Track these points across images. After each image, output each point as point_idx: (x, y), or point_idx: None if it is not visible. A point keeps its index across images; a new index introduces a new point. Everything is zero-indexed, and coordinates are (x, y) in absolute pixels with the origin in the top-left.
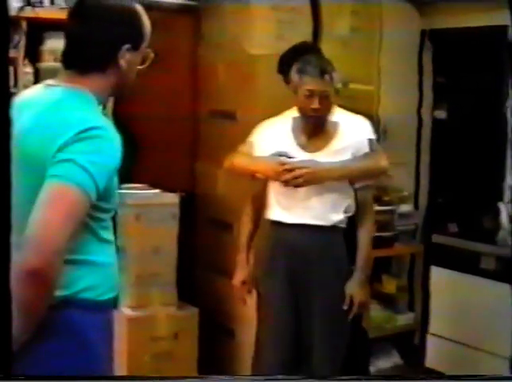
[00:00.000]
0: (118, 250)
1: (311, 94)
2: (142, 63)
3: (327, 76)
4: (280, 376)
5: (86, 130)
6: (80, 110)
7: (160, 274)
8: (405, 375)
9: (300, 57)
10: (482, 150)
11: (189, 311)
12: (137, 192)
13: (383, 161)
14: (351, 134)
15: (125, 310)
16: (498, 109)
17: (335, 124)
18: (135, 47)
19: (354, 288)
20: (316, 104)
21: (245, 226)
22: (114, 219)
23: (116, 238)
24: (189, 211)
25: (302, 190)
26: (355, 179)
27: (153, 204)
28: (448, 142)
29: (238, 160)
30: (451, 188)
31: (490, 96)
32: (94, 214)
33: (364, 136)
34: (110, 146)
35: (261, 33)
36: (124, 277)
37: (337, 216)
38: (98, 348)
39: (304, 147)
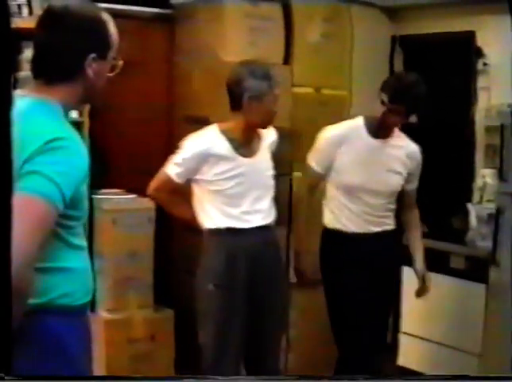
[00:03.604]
0: (93, 255)
1: (275, 99)
2: (111, 71)
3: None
4: (276, 377)
5: (51, 140)
6: (46, 121)
7: (137, 278)
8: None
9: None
10: (451, 152)
11: (165, 313)
12: (114, 197)
13: None
14: (268, 133)
15: (102, 313)
16: (467, 112)
17: None
18: (102, 56)
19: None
20: (276, 107)
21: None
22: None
23: (90, 243)
24: (165, 215)
25: (248, 195)
26: None
27: (130, 209)
28: (419, 145)
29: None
30: (421, 189)
31: (459, 100)
32: (63, 222)
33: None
34: (76, 155)
35: (234, 40)
36: (101, 281)
37: (274, 213)
38: (76, 352)
39: (243, 154)
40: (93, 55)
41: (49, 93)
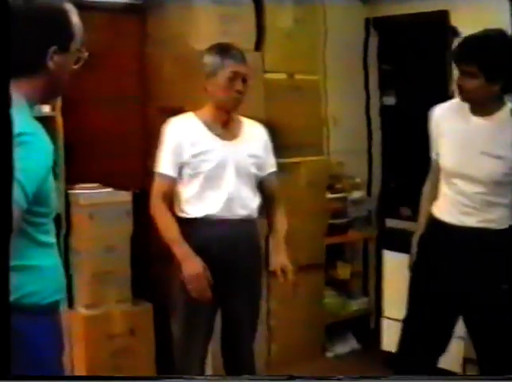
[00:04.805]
0: (69, 250)
1: (234, 76)
2: (76, 63)
3: (246, 60)
4: (268, 376)
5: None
6: None
7: (115, 272)
8: (361, 358)
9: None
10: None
11: (144, 307)
12: (90, 191)
13: None
14: (253, 126)
15: (80, 309)
16: (444, 91)
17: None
18: (64, 48)
19: (285, 259)
20: (240, 86)
21: (171, 221)
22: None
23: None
24: (143, 208)
25: (226, 179)
26: None
27: (106, 202)
28: (398, 127)
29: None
30: (403, 172)
31: (435, 79)
32: (31, 219)
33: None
34: (39, 151)
35: (205, 28)
36: (79, 276)
37: (255, 204)
38: (44, 352)
39: (221, 136)
40: (54, 47)
41: (11, 88)
